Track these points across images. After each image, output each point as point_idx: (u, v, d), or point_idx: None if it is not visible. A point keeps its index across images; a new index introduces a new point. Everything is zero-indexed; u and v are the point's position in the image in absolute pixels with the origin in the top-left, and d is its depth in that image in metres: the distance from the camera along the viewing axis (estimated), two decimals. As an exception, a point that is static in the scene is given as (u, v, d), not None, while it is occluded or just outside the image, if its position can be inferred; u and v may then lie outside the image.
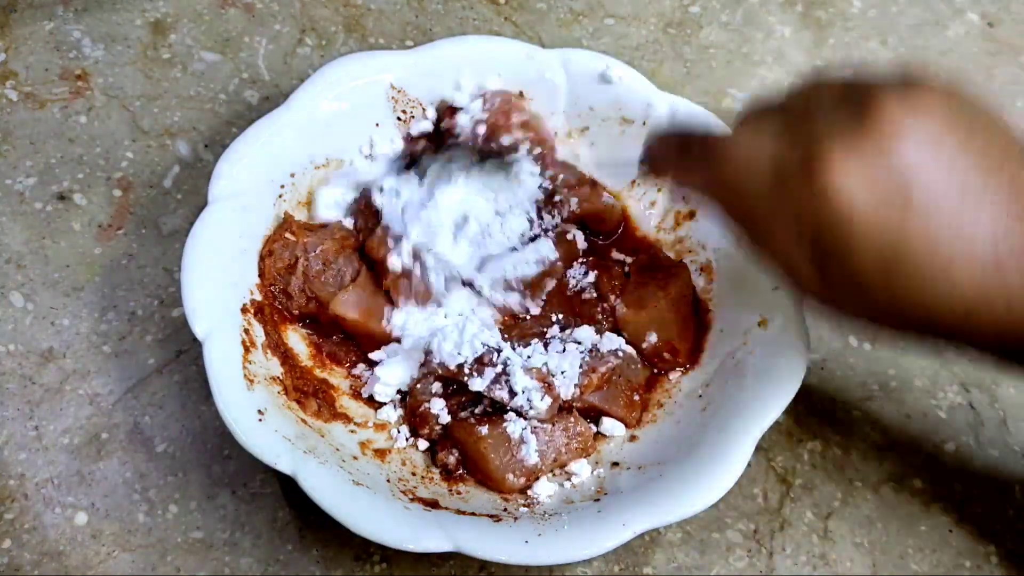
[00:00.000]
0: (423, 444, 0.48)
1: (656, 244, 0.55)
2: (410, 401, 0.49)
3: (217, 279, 0.47)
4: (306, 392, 0.48)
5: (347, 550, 0.46)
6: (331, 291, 0.50)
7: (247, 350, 0.46)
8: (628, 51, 0.63)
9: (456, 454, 0.47)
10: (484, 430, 0.47)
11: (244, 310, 0.47)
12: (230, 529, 0.47)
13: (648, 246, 0.55)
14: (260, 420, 0.43)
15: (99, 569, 0.46)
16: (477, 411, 0.48)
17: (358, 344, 0.51)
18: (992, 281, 0.34)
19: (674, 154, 0.43)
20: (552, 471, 0.47)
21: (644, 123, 0.54)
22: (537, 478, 0.47)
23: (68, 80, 0.59)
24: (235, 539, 0.47)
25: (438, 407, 0.48)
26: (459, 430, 0.48)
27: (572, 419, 0.48)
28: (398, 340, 0.50)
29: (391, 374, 0.49)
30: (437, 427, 0.48)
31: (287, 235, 0.50)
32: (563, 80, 0.55)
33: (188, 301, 0.45)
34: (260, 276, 0.49)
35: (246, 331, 0.47)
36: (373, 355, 0.50)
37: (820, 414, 0.51)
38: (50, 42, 0.60)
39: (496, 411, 0.48)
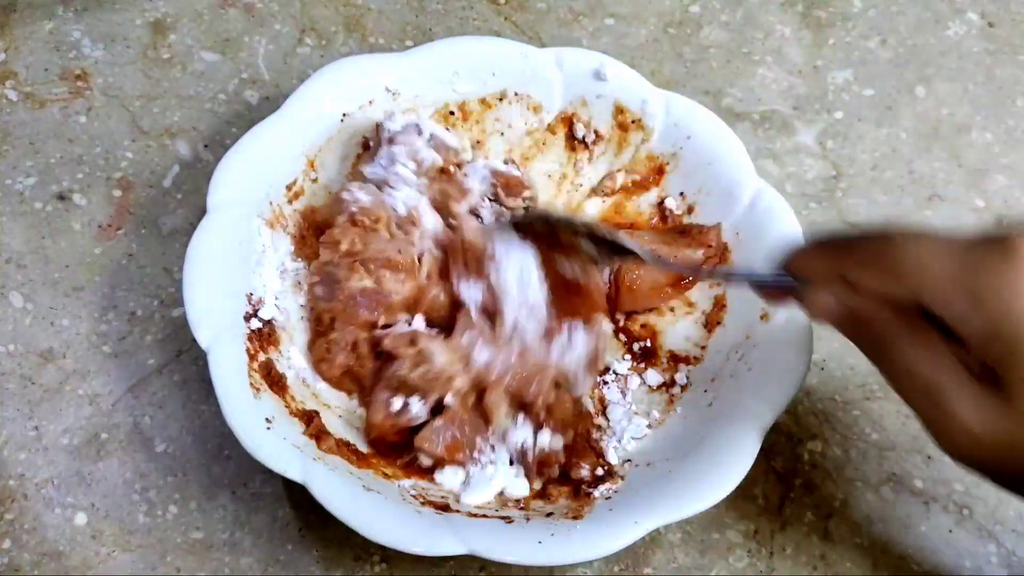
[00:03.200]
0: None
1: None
2: None
3: (219, 288, 0.46)
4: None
5: (347, 550, 0.46)
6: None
7: (251, 358, 0.46)
8: (628, 51, 0.63)
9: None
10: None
11: (247, 317, 0.47)
12: (230, 529, 0.47)
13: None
14: (268, 428, 0.43)
15: (99, 569, 0.46)
16: None
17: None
18: None
19: (831, 260, 0.37)
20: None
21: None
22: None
23: (68, 80, 0.59)
24: (235, 539, 0.47)
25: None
26: None
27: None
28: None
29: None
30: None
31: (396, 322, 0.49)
32: (558, 78, 0.55)
33: (191, 311, 0.45)
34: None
35: (250, 339, 0.46)
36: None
37: (820, 414, 0.51)
38: (50, 42, 0.60)
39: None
